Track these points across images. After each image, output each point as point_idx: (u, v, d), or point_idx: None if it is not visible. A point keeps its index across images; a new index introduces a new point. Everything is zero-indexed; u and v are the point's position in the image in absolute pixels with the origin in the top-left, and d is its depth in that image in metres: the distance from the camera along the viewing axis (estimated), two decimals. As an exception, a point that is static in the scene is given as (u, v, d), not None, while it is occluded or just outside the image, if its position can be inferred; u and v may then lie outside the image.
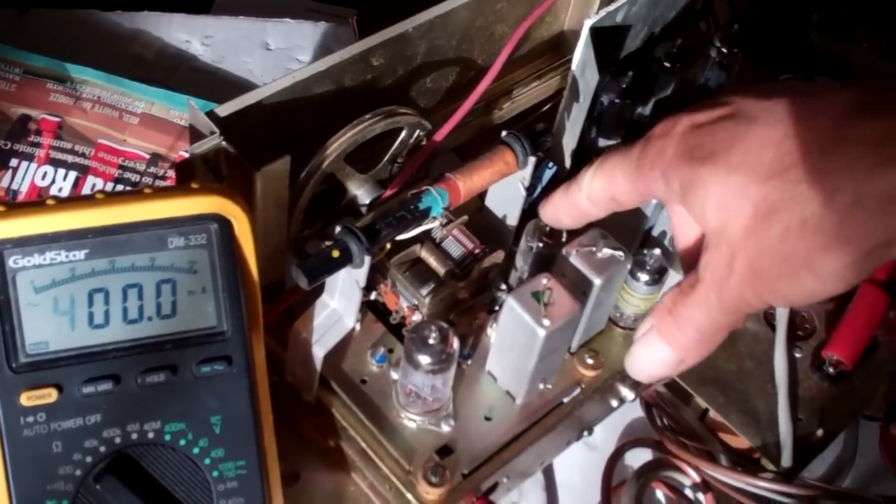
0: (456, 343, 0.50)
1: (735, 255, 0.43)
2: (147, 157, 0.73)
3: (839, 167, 0.41)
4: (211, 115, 0.50)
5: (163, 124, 0.74)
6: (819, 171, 0.41)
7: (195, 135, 0.51)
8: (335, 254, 0.48)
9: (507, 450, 0.54)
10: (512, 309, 0.51)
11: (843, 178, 0.40)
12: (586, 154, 0.65)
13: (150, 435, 0.45)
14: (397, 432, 0.53)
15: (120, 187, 0.71)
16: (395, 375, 0.54)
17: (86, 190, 0.71)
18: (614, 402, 0.61)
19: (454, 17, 0.60)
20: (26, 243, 0.43)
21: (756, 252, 0.43)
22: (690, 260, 0.49)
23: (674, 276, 0.58)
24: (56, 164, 0.72)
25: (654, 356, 0.49)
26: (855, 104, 0.42)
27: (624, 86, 0.63)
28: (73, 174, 0.71)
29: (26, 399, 0.44)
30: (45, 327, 0.44)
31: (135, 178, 0.72)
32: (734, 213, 0.43)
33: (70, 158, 0.72)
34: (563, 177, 0.64)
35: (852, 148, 0.41)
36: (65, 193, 0.70)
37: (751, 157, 0.43)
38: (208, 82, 0.80)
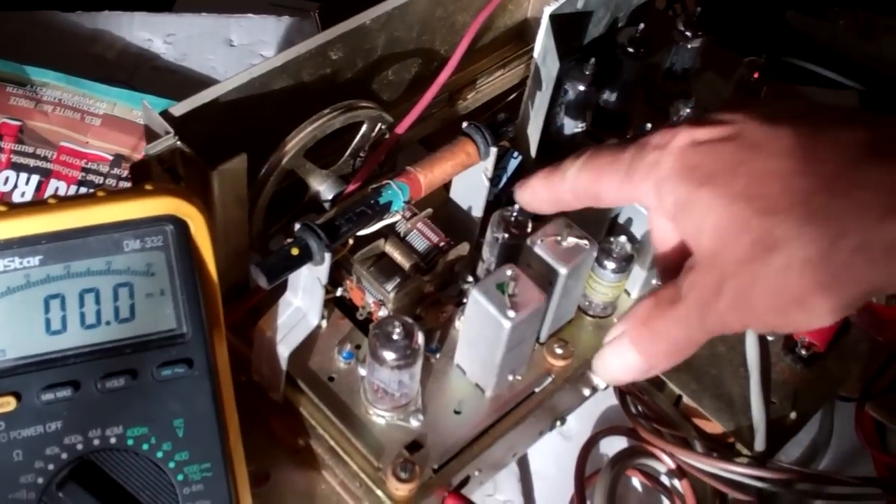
0: (421, 338, 0.50)
1: (725, 280, 0.43)
2: (110, 158, 0.72)
3: (847, 212, 0.40)
4: (165, 114, 0.50)
5: (125, 125, 0.73)
6: (826, 212, 0.41)
7: (150, 135, 0.50)
8: (294, 252, 0.47)
9: (477, 443, 0.54)
10: (477, 301, 0.51)
11: (851, 223, 0.40)
12: (553, 142, 0.65)
13: (113, 440, 0.45)
14: (366, 429, 0.53)
15: (84, 189, 0.70)
16: (362, 372, 0.53)
17: (49, 193, 0.70)
18: (586, 391, 0.60)
19: (413, 8, 0.60)
20: (-22, 251, 0.42)
21: (748, 281, 0.42)
22: (668, 266, 0.48)
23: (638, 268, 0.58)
24: (18, 168, 0.71)
25: (624, 362, 0.48)
26: (864, 146, 0.41)
27: (587, 72, 0.62)
28: (35, 178, 0.70)
29: (-16, 408, 0.43)
30: (1, 335, 0.44)
31: (98, 179, 0.71)
32: (731, 242, 0.43)
33: (32, 162, 0.71)
34: (530, 165, 0.64)
35: (861, 193, 0.40)
36: (28, 197, 0.69)
37: (755, 188, 0.42)
38: (171, 81, 0.79)
